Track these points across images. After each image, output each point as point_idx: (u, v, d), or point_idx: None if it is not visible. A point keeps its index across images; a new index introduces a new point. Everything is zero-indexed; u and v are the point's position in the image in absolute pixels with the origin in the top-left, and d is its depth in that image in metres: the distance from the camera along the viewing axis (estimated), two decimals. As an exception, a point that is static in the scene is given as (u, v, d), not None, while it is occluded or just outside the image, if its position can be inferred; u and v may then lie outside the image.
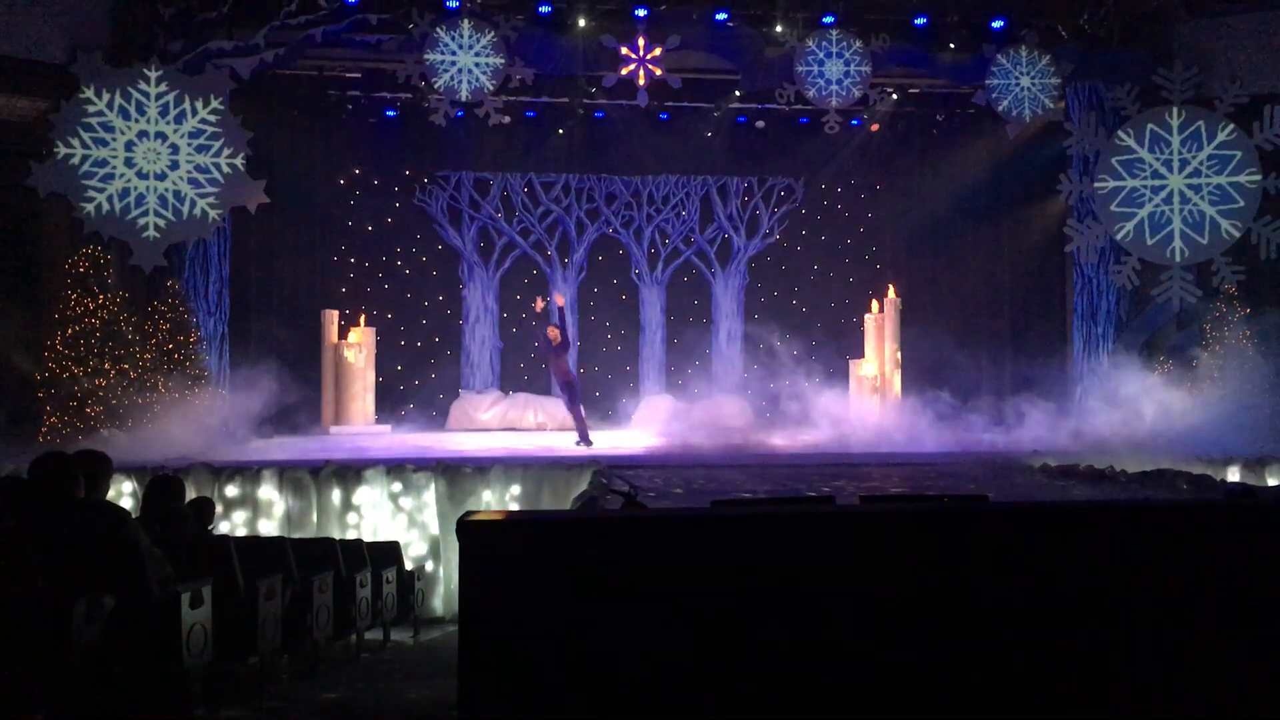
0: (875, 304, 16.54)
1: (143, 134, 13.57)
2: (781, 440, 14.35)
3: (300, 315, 16.43)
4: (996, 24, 15.19)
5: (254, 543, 7.10)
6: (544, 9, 14.62)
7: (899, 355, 16.12)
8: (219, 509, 9.28)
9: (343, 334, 16.33)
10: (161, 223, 13.63)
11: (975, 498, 4.39)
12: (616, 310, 18.71)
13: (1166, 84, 14.98)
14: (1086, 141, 15.33)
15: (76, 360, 12.55)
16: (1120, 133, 15.18)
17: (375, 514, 10.29)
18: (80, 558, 4.53)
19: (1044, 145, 16.33)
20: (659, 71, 14.78)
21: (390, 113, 16.62)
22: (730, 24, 15.00)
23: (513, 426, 16.81)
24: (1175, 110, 14.99)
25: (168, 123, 13.65)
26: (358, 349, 16.18)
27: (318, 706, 5.50)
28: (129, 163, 13.52)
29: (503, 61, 14.41)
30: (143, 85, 13.55)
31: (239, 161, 13.89)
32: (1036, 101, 15.12)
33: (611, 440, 14.50)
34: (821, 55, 14.88)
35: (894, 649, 2.89)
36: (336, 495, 10.27)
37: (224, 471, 10.31)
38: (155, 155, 13.62)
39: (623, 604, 2.85)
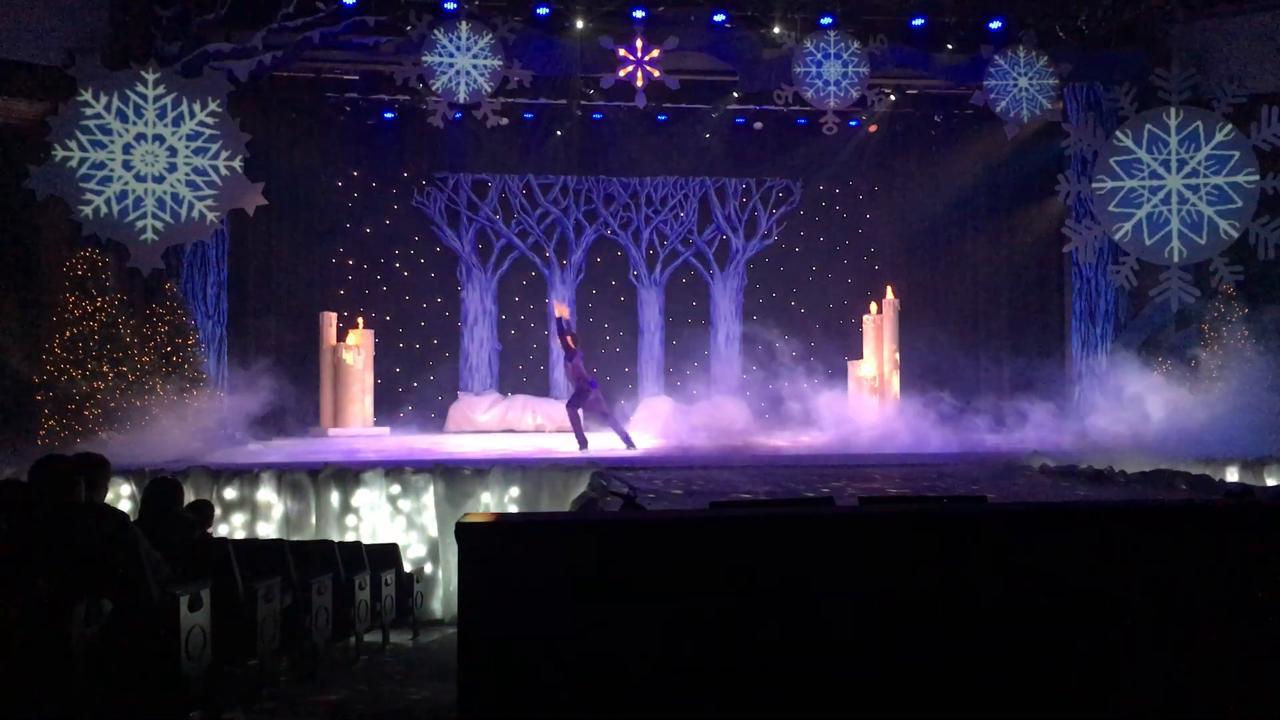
0: (874, 305, 16.54)
1: (141, 136, 13.57)
2: (780, 441, 14.35)
3: (298, 317, 16.43)
4: (994, 25, 15.21)
5: (253, 545, 7.09)
6: (542, 11, 14.62)
7: (897, 356, 16.12)
8: (218, 511, 9.28)
9: (341, 336, 16.32)
10: (160, 225, 13.63)
11: (974, 498, 4.39)
12: (615, 312, 18.70)
13: (1164, 84, 14.99)
14: (1084, 142, 15.34)
15: (75, 363, 12.54)
16: (1118, 133, 15.19)
17: (374, 516, 10.28)
18: (79, 560, 4.53)
19: (1042, 146, 16.34)
20: (657, 73, 14.79)
21: (388, 115, 16.62)
22: (728, 25, 15.01)
23: (511, 428, 16.81)
24: (1173, 111, 15.00)
25: (166, 125, 13.65)
26: (356, 351, 16.18)
27: (317, 709, 5.50)
28: (127, 165, 13.52)
29: (501, 63, 14.42)
30: (140, 88, 13.55)
31: (237, 164, 13.88)
32: (1034, 102, 15.13)
33: (610, 442, 14.49)
34: (819, 56, 14.89)
35: (893, 649, 2.89)
36: (335, 497, 10.26)
37: (222, 474, 10.30)
38: (153, 158, 13.62)
39: (622, 605, 2.85)
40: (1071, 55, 15.28)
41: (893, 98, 16.47)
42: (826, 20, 14.88)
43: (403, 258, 18.18)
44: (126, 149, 13.51)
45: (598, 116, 16.81)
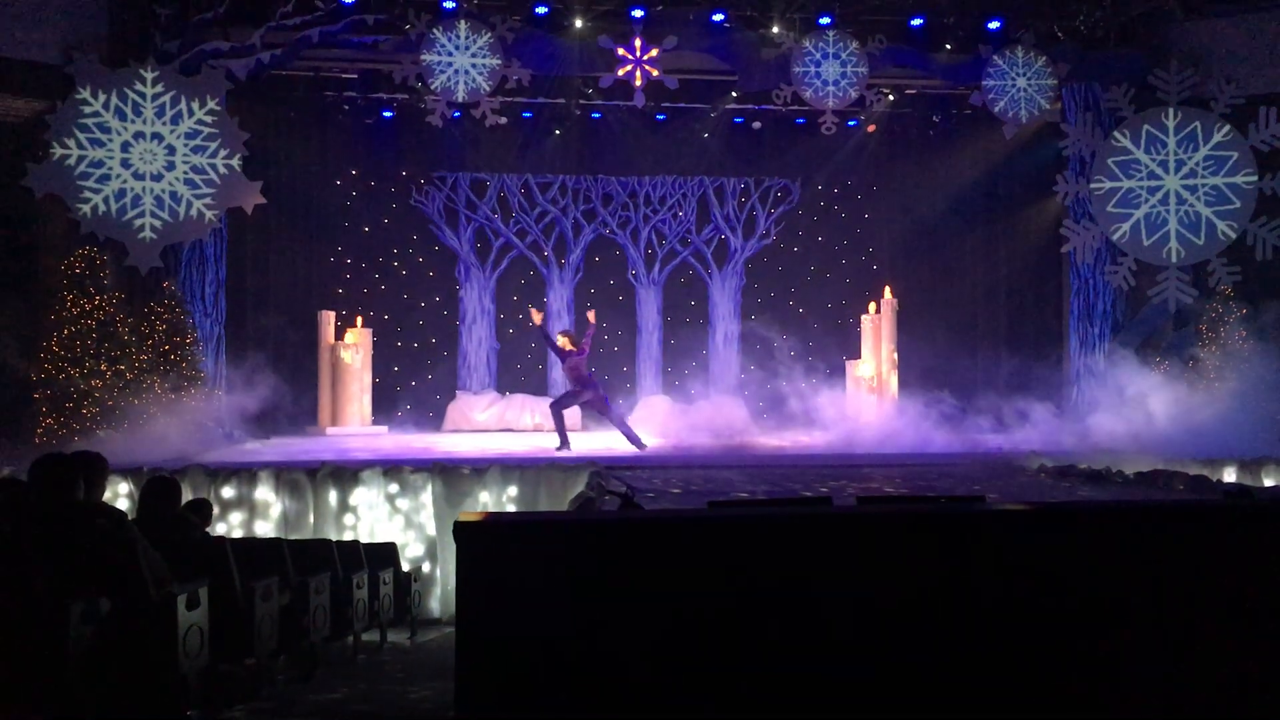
0: (872, 305, 16.54)
1: (139, 135, 13.56)
2: (778, 441, 14.35)
3: (297, 316, 16.41)
4: (993, 25, 15.21)
5: (250, 544, 7.09)
6: (541, 10, 14.62)
7: (896, 356, 16.13)
8: (215, 510, 9.27)
9: (339, 335, 16.31)
10: (158, 223, 13.62)
11: (972, 498, 4.39)
12: (613, 311, 18.68)
13: (1163, 85, 15.00)
14: (1083, 142, 15.35)
15: (72, 361, 12.53)
16: (1116, 133, 15.20)
17: (372, 515, 10.28)
18: (77, 559, 4.53)
19: (1040, 146, 16.34)
20: (656, 72, 14.78)
21: (387, 113, 16.61)
22: (727, 25, 15.01)
23: (509, 428, 16.80)
24: (1171, 111, 15.00)
25: (164, 123, 13.64)
26: (354, 350, 16.17)
27: (314, 708, 5.50)
28: (125, 163, 13.51)
29: (499, 62, 14.41)
30: (139, 86, 13.54)
31: (235, 162, 13.88)
32: (1033, 102, 15.14)
33: (608, 441, 14.49)
34: (818, 56, 14.89)
35: (892, 649, 2.89)
36: (333, 496, 10.26)
37: (220, 473, 10.30)
38: (151, 156, 13.61)
39: (620, 605, 2.85)
40: (1070, 55, 15.28)
41: (891, 98, 16.46)
42: (825, 20, 14.88)
43: (401, 257, 18.17)
44: (125, 147, 13.50)
45: (596, 116, 16.80)
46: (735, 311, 18.84)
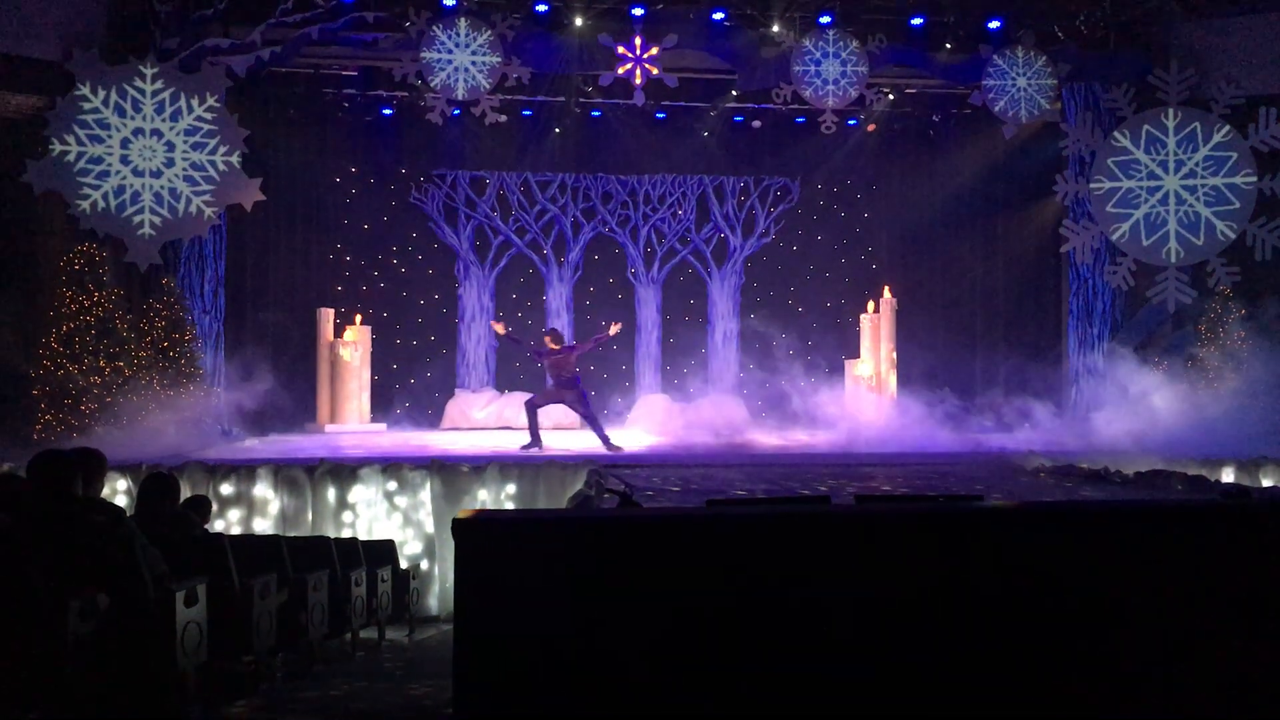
0: (871, 304, 16.54)
1: (138, 131, 13.55)
2: (777, 439, 14.35)
3: (296, 313, 16.42)
4: (993, 24, 15.21)
5: (249, 541, 7.10)
6: (541, 8, 14.61)
7: (894, 355, 16.13)
8: (214, 507, 9.27)
9: (338, 332, 16.31)
10: (157, 220, 13.61)
11: (970, 498, 4.39)
12: (612, 309, 18.65)
13: (1163, 85, 15.00)
14: (1083, 142, 15.35)
15: (71, 358, 12.53)
16: (1116, 134, 15.20)
17: (370, 513, 10.28)
18: (76, 556, 4.53)
19: (1040, 146, 16.34)
20: (655, 71, 14.78)
21: (386, 111, 16.60)
22: (727, 23, 15.00)
23: (508, 425, 16.79)
24: (1171, 111, 15.01)
25: (163, 120, 13.63)
26: (353, 347, 16.17)
27: (313, 705, 5.49)
28: (124, 160, 13.50)
29: (499, 60, 14.41)
30: (138, 82, 13.53)
31: (235, 159, 13.87)
32: (1033, 102, 15.13)
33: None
34: (818, 55, 14.89)
35: (890, 648, 2.89)
36: (332, 494, 10.26)
37: (219, 469, 10.29)
38: (151, 152, 13.60)
39: (618, 603, 2.85)
40: (1070, 55, 15.28)
41: (891, 97, 16.46)
42: (825, 19, 14.88)
43: (400, 254, 18.17)
44: (124, 144, 13.49)
45: (596, 114, 16.79)
46: (734, 310, 18.84)
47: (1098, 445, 12.35)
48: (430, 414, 17.30)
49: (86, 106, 13.34)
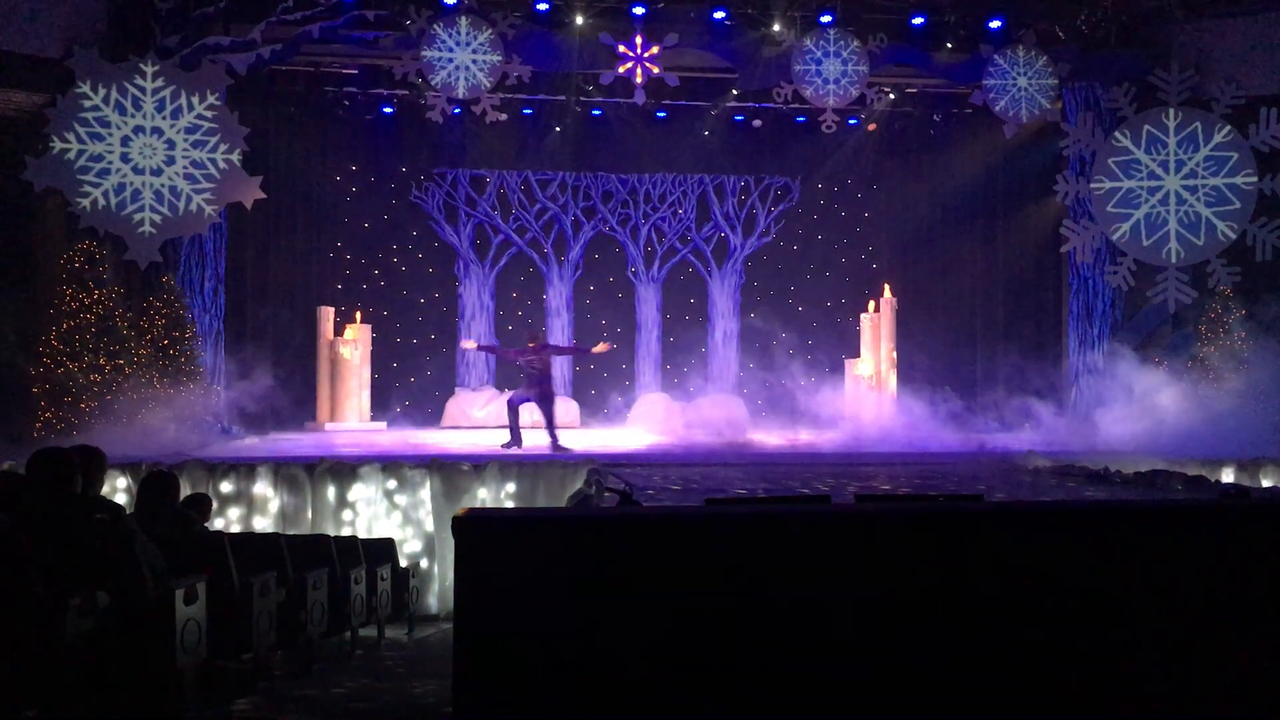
0: (871, 303, 16.55)
1: (139, 129, 13.54)
2: (777, 438, 14.36)
3: (296, 311, 16.42)
4: (994, 24, 15.20)
5: (248, 539, 7.09)
6: (541, 6, 14.61)
7: (895, 355, 16.14)
8: (214, 505, 9.26)
9: (338, 331, 16.31)
10: (157, 218, 13.61)
11: (970, 497, 4.40)
12: (612, 308, 18.71)
13: (1163, 85, 14.99)
14: (1083, 142, 15.34)
15: (71, 355, 12.53)
16: (1117, 133, 15.19)
17: (370, 511, 10.28)
18: (75, 553, 4.53)
19: (1041, 146, 16.33)
20: (656, 69, 14.77)
21: (387, 109, 16.61)
22: (728, 22, 15.00)
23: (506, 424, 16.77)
24: (1172, 111, 15.00)
25: (164, 118, 13.63)
26: (353, 346, 16.17)
27: (312, 703, 5.50)
28: (125, 158, 13.50)
29: (500, 59, 14.40)
30: (139, 80, 13.52)
31: (235, 157, 13.86)
32: (1033, 102, 15.13)
33: (607, 438, 14.50)
34: (819, 54, 14.88)
35: (889, 647, 2.89)
36: (331, 492, 10.26)
37: (219, 467, 10.29)
38: (151, 150, 13.59)
39: (618, 602, 2.85)
40: (1071, 55, 15.27)
41: (892, 96, 16.46)
42: (826, 18, 14.87)
43: (400, 253, 18.18)
44: (125, 141, 13.49)
45: (597, 113, 16.79)
46: (735, 309, 18.85)
47: (1098, 445, 12.35)
48: (430, 413, 17.31)
49: (87, 104, 13.33)
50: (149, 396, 12.67)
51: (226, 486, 10.18)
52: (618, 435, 15.15)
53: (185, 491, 7.98)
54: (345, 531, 9.88)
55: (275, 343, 15.98)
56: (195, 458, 10.62)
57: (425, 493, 10.32)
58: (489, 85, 14.47)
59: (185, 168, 13.70)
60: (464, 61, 14.31)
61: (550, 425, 12.79)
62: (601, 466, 10.30)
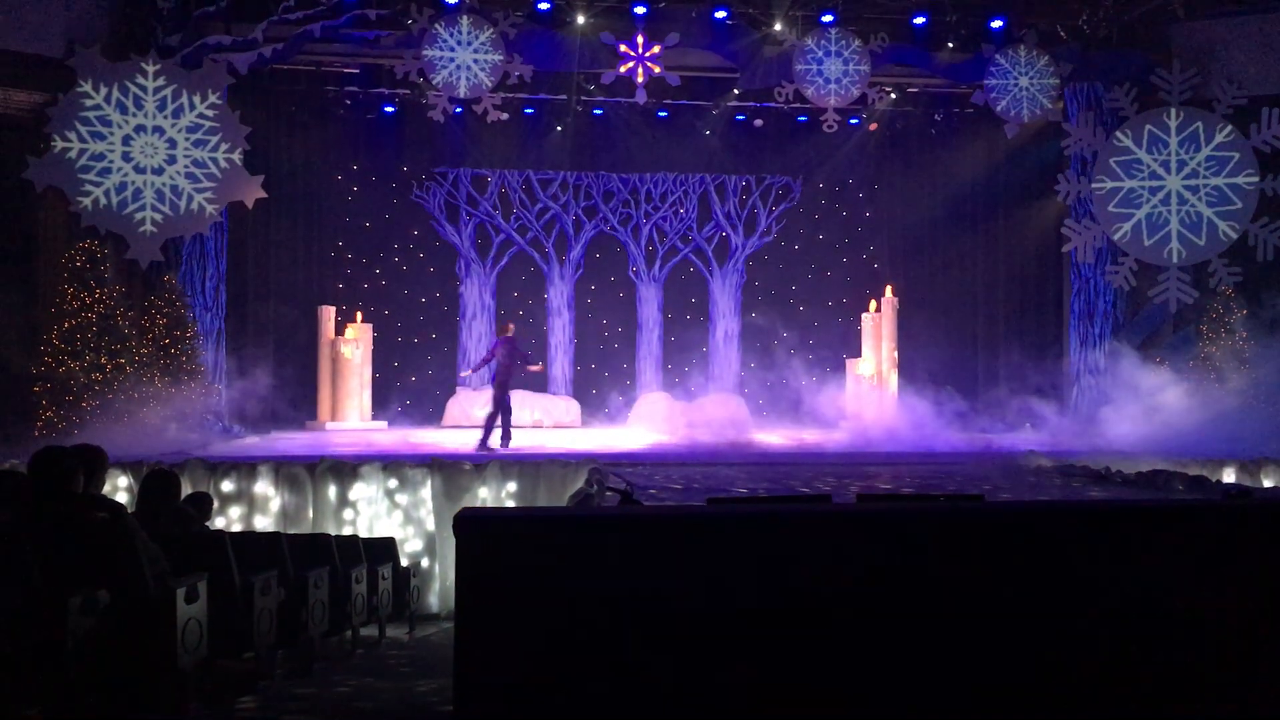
0: (873, 303, 16.54)
1: (140, 128, 13.55)
2: (778, 438, 14.35)
3: (297, 310, 16.42)
4: (995, 24, 15.20)
5: (249, 538, 7.09)
6: (543, 6, 14.61)
7: (896, 355, 16.13)
8: (215, 504, 9.27)
9: (339, 330, 16.31)
10: (159, 217, 13.61)
11: (970, 497, 4.40)
12: (614, 308, 18.71)
13: (1165, 85, 14.99)
14: (1085, 142, 15.34)
15: (73, 354, 12.54)
16: (1118, 133, 15.18)
17: (371, 510, 10.28)
18: (76, 552, 4.53)
19: (1042, 145, 16.34)
20: (658, 69, 14.78)
21: (388, 109, 16.62)
22: (729, 22, 15.01)
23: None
24: (1173, 111, 15.00)
25: (165, 117, 13.63)
26: (354, 345, 16.16)
27: (313, 703, 5.49)
28: (126, 157, 13.50)
29: (501, 58, 14.41)
30: (140, 79, 13.52)
31: (236, 156, 13.87)
32: (1035, 102, 15.12)
33: (608, 438, 14.50)
34: (820, 54, 14.88)
35: (889, 646, 2.89)
36: (332, 491, 10.26)
37: (220, 466, 10.30)
38: (153, 149, 13.60)
39: (619, 601, 2.85)
40: (1072, 55, 15.27)
41: (893, 96, 16.47)
42: (828, 18, 14.87)
43: (402, 252, 18.18)
44: (126, 140, 13.49)
45: (598, 112, 16.80)
46: (736, 309, 18.84)
47: (1099, 445, 12.35)
48: (431, 412, 17.30)
49: (88, 103, 13.34)
50: (150, 395, 12.68)
51: (228, 485, 10.18)
52: (619, 435, 15.15)
53: (186, 490, 7.99)
54: (346, 531, 9.88)
55: (276, 342, 15.98)
56: (196, 457, 10.62)
57: (426, 492, 10.32)
58: (490, 84, 14.47)
59: (186, 167, 13.71)
60: (465, 61, 14.31)
61: (489, 425, 12.53)
62: (603, 466, 10.30)
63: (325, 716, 5.21)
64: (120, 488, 9.79)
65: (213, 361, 14.34)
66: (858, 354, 16.70)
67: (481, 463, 10.51)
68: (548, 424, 16.59)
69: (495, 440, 12.54)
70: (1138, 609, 2.92)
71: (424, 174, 17.96)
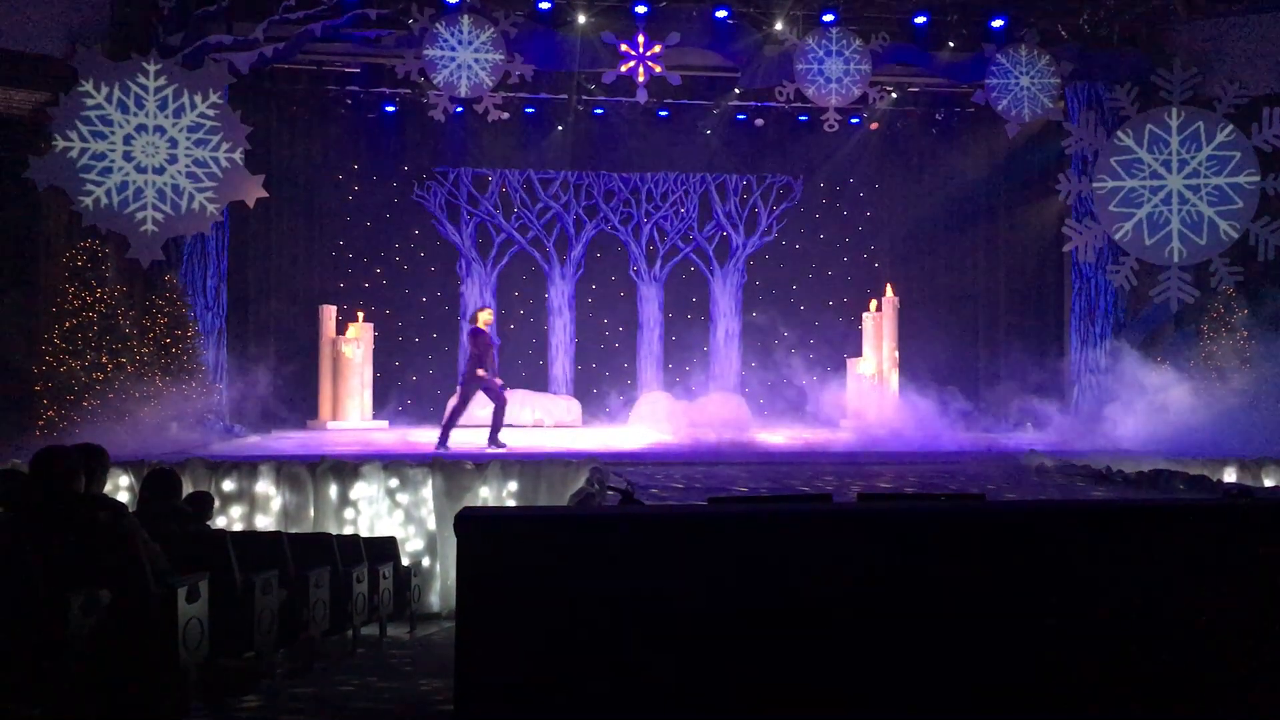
0: (873, 303, 16.54)
1: (141, 127, 13.55)
2: (779, 437, 14.35)
3: (298, 310, 16.43)
4: (996, 23, 15.19)
5: (251, 537, 7.10)
6: (544, 5, 14.60)
7: (897, 354, 16.13)
8: (216, 503, 9.27)
9: (340, 329, 16.32)
10: (160, 216, 13.62)
11: (971, 496, 4.40)
12: (614, 307, 18.71)
13: (1166, 84, 14.98)
14: (1085, 141, 15.33)
15: (74, 354, 12.54)
16: (1119, 133, 15.18)
17: (372, 509, 10.28)
18: (78, 551, 4.53)
19: (1043, 145, 16.33)
20: (658, 68, 14.77)
21: (389, 108, 16.62)
22: (730, 21, 14.99)
23: (510, 423, 16.77)
24: (1174, 111, 14.99)
25: (166, 116, 13.63)
26: (355, 344, 16.17)
27: (314, 702, 5.50)
28: (127, 156, 13.50)
29: (502, 57, 14.40)
30: (141, 79, 13.52)
31: (238, 156, 13.87)
32: (1036, 101, 15.12)
33: (609, 437, 14.50)
34: (821, 53, 14.88)
35: (890, 646, 2.89)
36: (333, 490, 10.26)
37: (221, 466, 10.30)
38: (154, 149, 13.60)
39: (620, 600, 2.85)
40: (1073, 54, 15.27)
41: (894, 95, 16.46)
42: (829, 17, 14.86)
43: (403, 251, 18.19)
44: (127, 140, 13.49)
45: (599, 112, 16.80)
46: (736, 308, 18.85)
47: (1100, 444, 12.34)
48: (432, 411, 17.29)
49: (89, 103, 13.34)
50: (151, 395, 12.68)
51: (228, 485, 10.18)
52: (620, 434, 15.15)
53: (187, 490, 7.99)
54: (347, 530, 9.89)
55: (277, 341, 15.99)
56: (197, 456, 10.63)
57: (427, 491, 10.33)
58: (491, 84, 14.47)
59: (188, 166, 13.71)
60: (466, 60, 14.31)
61: (450, 423, 12.31)
62: (604, 465, 10.30)
63: (326, 715, 5.21)
64: (121, 487, 9.80)
65: (214, 361, 14.34)
66: (858, 353, 16.70)
67: (483, 462, 10.51)
68: (548, 423, 16.59)
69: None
70: (1138, 609, 2.93)
71: (425, 173, 17.97)
